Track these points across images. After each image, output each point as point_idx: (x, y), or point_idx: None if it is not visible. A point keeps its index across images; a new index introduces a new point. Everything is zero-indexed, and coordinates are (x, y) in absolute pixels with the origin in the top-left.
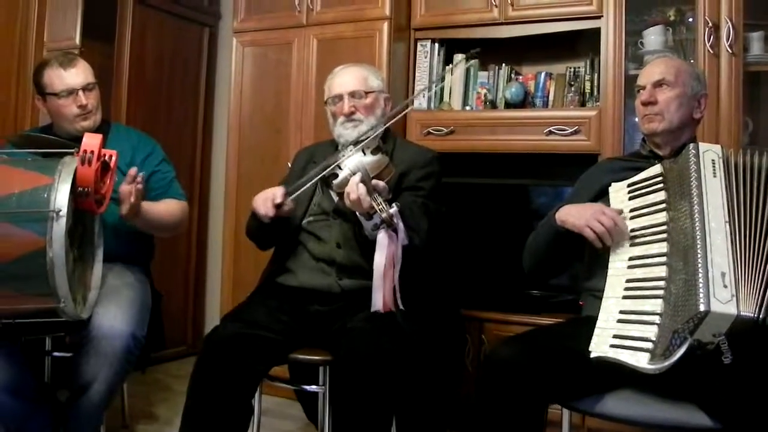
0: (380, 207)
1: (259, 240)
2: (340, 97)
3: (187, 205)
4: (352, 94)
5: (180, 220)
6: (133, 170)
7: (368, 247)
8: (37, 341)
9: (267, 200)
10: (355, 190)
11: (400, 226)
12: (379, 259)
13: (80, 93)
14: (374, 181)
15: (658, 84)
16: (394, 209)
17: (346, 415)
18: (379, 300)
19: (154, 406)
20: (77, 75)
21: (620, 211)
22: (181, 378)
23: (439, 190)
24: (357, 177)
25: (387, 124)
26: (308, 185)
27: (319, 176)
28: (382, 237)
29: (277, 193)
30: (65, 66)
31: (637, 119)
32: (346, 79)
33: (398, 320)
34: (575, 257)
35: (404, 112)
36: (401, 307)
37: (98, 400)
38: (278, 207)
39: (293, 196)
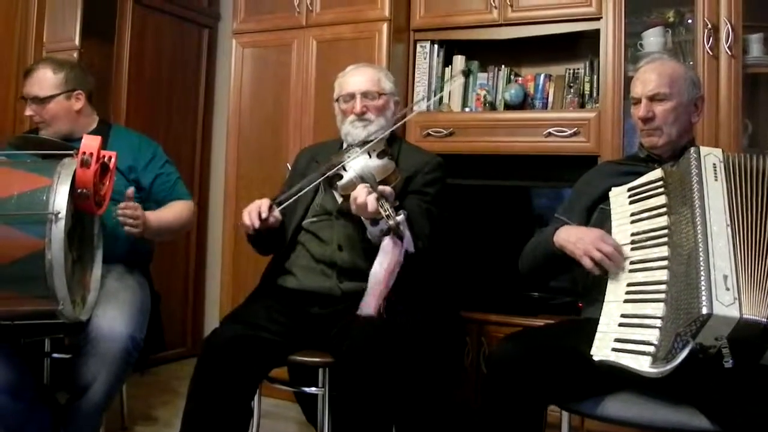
0: (387, 214)
1: (258, 247)
2: (352, 96)
3: (192, 203)
4: (365, 94)
5: (188, 219)
6: (129, 192)
7: (371, 250)
8: (37, 343)
9: (252, 212)
10: (363, 195)
11: (407, 234)
12: (380, 265)
13: (27, 103)
14: (381, 187)
15: (654, 98)
16: (401, 217)
17: (345, 417)
18: (371, 305)
19: (153, 407)
20: (30, 86)
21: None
22: (180, 380)
23: (444, 196)
24: (365, 185)
25: (392, 128)
26: (299, 194)
27: (318, 180)
28: (386, 243)
29: (263, 205)
30: (26, 75)
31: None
32: (360, 78)
33: (398, 320)
34: (568, 271)
35: (407, 118)
36: (384, 315)
37: (97, 402)
38: (264, 219)
39: (282, 206)
